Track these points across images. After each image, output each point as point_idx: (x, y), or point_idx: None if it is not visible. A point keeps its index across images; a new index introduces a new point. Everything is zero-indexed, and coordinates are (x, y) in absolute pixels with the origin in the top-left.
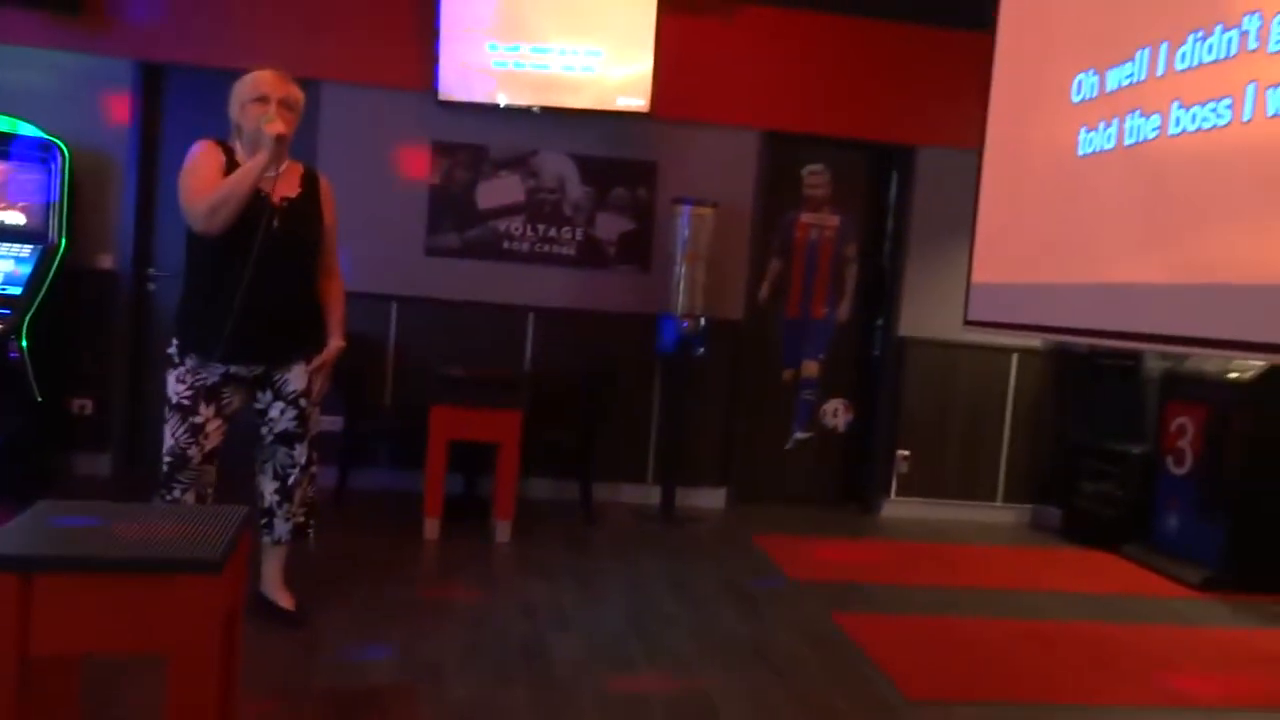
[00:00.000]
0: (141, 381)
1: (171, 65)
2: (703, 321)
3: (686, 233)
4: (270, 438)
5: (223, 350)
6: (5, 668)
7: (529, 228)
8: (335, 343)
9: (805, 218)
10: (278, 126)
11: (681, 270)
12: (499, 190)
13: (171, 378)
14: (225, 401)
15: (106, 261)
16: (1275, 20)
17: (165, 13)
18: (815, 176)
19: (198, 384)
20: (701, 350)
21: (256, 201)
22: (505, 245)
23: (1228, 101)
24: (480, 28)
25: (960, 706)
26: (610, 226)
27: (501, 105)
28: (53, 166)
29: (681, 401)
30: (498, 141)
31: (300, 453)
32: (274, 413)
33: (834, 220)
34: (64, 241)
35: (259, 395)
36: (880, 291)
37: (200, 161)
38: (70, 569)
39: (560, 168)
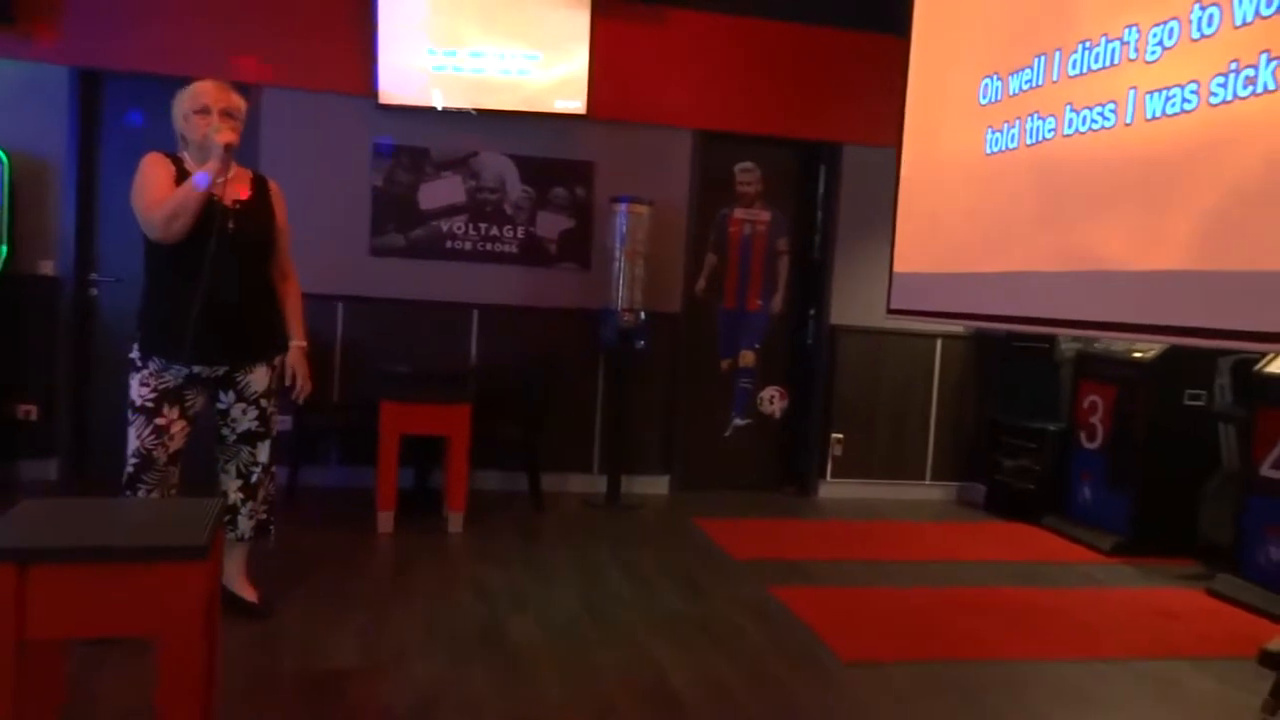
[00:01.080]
0: (87, 386)
1: (109, 72)
2: (642, 315)
3: (624, 230)
4: (233, 438)
5: (187, 351)
6: (4, 651)
7: (471, 227)
8: (298, 343)
9: (738, 213)
10: (228, 135)
11: (621, 266)
12: (441, 191)
13: (134, 381)
14: (188, 403)
15: (48, 268)
16: (1151, 32)
17: (103, 19)
18: (747, 174)
19: (161, 387)
20: (642, 343)
21: (210, 205)
22: (448, 245)
23: (1112, 105)
24: (418, 32)
25: (893, 666)
26: (550, 225)
27: (440, 108)
28: None
29: (624, 393)
30: (438, 143)
31: (262, 451)
32: (236, 413)
33: (766, 215)
34: (4, 249)
35: (221, 396)
36: (812, 283)
37: (152, 173)
38: (64, 559)
39: (500, 168)
